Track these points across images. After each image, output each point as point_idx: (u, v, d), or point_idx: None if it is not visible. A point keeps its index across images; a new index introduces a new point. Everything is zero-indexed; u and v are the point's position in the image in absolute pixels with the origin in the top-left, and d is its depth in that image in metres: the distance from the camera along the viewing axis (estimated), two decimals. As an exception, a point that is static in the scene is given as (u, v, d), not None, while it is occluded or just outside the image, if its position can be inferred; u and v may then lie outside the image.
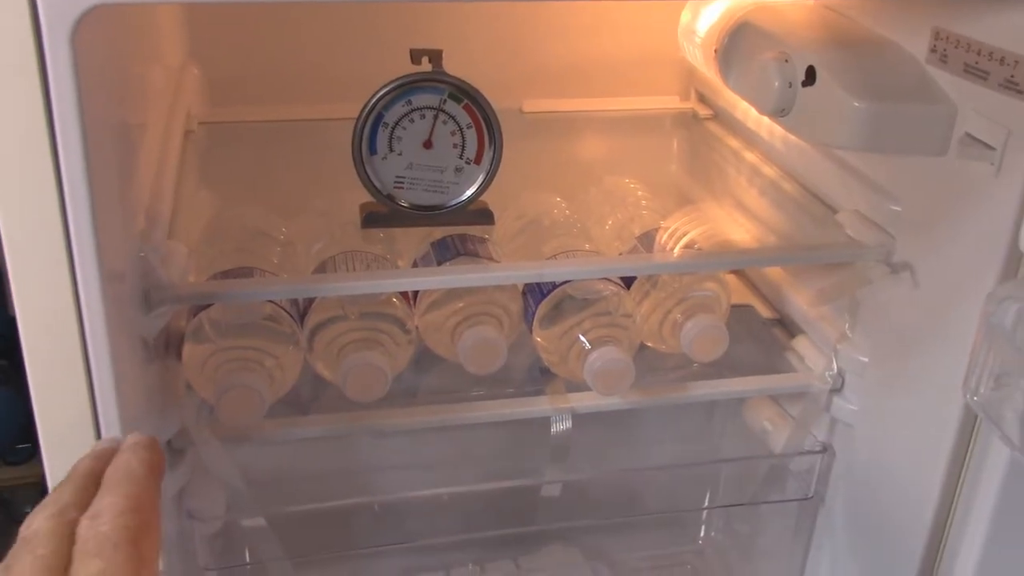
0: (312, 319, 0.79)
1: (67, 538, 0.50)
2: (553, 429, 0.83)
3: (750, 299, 0.99)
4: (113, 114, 0.62)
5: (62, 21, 0.49)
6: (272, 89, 1.02)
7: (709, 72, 0.93)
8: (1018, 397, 0.55)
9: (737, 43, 0.86)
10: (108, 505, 0.51)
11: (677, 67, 1.08)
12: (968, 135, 0.69)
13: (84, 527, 0.50)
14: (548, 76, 1.07)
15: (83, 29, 0.50)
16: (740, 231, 1.00)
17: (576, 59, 1.07)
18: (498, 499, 0.89)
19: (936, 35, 0.71)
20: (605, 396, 0.81)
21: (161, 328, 0.71)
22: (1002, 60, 0.66)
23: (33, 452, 1.42)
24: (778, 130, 0.93)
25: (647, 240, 0.89)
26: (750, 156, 1.00)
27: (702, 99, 1.11)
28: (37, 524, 0.51)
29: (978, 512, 0.73)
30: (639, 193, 0.98)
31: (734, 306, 0.90)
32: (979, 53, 0.67)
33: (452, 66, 0.79)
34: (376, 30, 1.01)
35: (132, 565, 0.48)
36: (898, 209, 0.78)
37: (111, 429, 0.61)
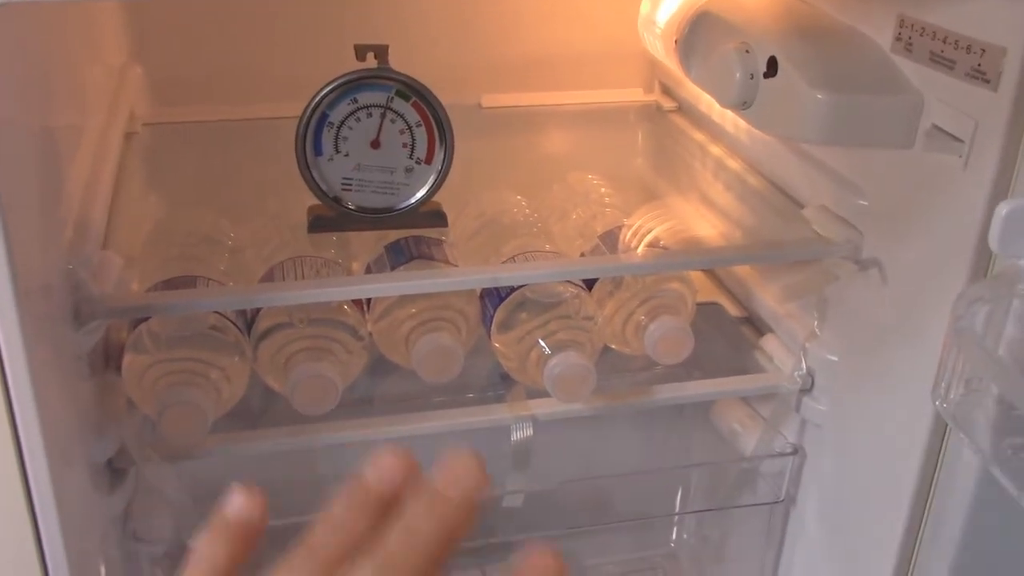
0: (258, 327, 0.76)
1: None
2: (514, 437, 0.80)
3: (717, 296, 0.96)
4: (30, 119, 0.58)
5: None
6: (219, 88, 0.98)
7: (670, 64, 0.90)
8: (988, 403, 0.52)
9: (697, 33, 0.83)
10: None
11: (640, 59, 1.05)
12: (935, 127, 0.67)
13: None
14: (507, 70, 1.05)
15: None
16: (706, 226, 0.97)
17: (536, 51, 1.04)
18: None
19: (901, 23, 0.69)
20: (567, 403, 0.78)
21: (96, 343, 0.67)
22: (968, 48, 0.63)
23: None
24: (743, 123, 0.91)
25: (610, 238, 0.87)
26: (715, 150, 0.97)
27: (666, 91, 1.08)
28: None
29: (952, 513, 0.71)
30: (602, 190, 0.95)
31: (701, 304, 0.88)
32: (945, 41, 0.65)
33: (405, 60, 0.76)
34: (325, 25, 0.97)
35: None
36: (865, 204, 0.76)
37: (35, 455, 0.57)
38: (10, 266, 0.52)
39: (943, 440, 0.71)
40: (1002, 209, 0.52)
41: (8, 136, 0.51)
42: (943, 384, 0.52)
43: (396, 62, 0.75)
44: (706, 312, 0.91)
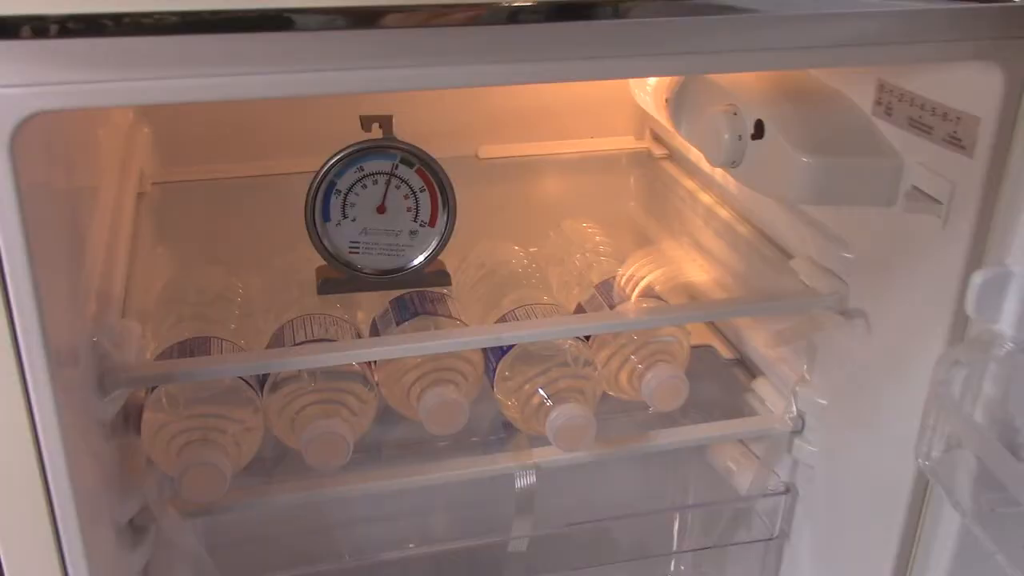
0: (270, 381, 0.79)
1: None
2: (518, 484, 0.83)
3: (711, 339, 0.99)
4: (59, 202, 0.62)
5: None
6: (224, 146, 1.01)
7: (661, 118, 0.94)
8: (969, 460, 0.55)
9: (686, 93, 0.86)
10: None
11: (631, 107, 1.08)
12: (915, 188, 0.70)
13: None
14: (503, 122, 1.08)
15: (23, 134, 0.50)
16: (698, 272, 1.00)
17: (529, 104, 1.08)
18: (468, 552, 0.89)
19: (881, 88, 0.72)
20: (568, 452, 0.81)
21: (118, 409, 0.70)
22: (945, 115, 0.67)
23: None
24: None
25: (605, 288, 0.90)
26: (705, 198, 1.01)
27: (657, 139, 1.12)
28: None
29: (938, 551, 0.74)
30: (597, 238, 0.99)
31: (695, 347, 0.91)
32: (923, 108, 0.68)
33: (407, 118, 0.79)
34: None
35: None
36: (851, 256, 0.79)
37: (67, 517, 0.60)
38: (43, 338, 0.55)
39: (928, 482, 0.74)
40: (976, 278, 0.55)
41: (40, 229, 0.54)
42: (925, 444, 0.55)
43: (398, 117, 0.78)
44: (700, 355, 0.94)
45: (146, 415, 0.75)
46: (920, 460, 0.57)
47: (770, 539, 0.92)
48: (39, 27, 0.46)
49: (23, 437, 0.57)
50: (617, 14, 0.55)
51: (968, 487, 0.56)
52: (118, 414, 0.73)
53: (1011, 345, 0.55)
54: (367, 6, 0.51)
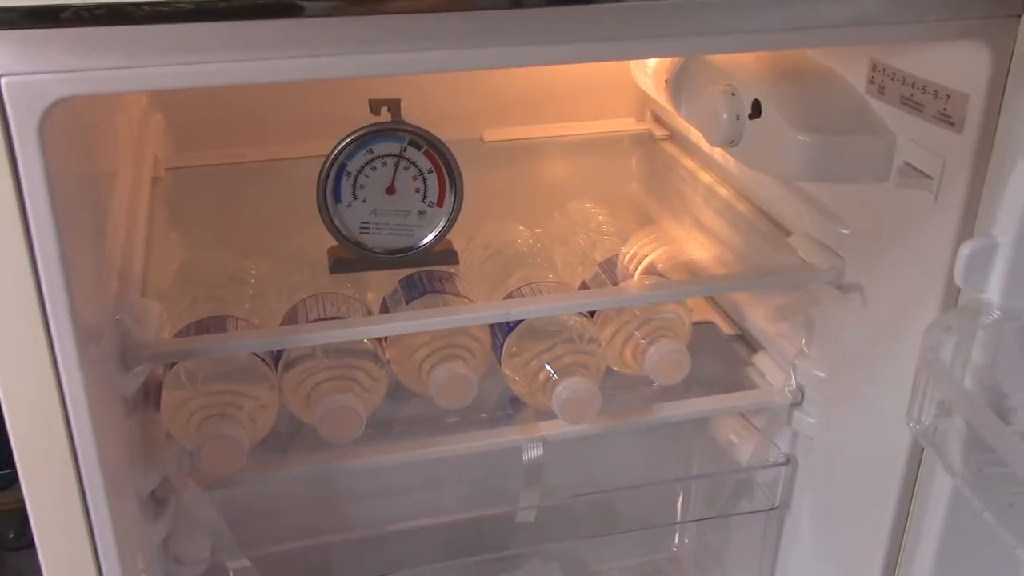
0: (284, 359, 0.82)
1: None
2: (525, 456, 0.86)
3: (712, 315, 1.02)
4: (83, 185, 0.64)
5: (28, 116, 0.51)
6: (236, 131, 1.03)
7: (661, 100, 0.96)
8: (959, 424, 0.58)
9: (686, 75, 0.89)
10: None
11: (632, 89, 1.10)
12: (907, 164, 0.72)
13: None
14: (507, 105, 1.10)
15: (50, 119, 0.52)
16: (699, 250, 1.03)
17: (533, 87, 1.10)
18: (477, 522, 0.92)
19: (874, 67, 0.74)
20: (574, 424, 0.83)
21: (139, 385, 0.73)
22: (935, 93, 0.69)
23: (15, 478, 1.43)
24: (731, 153, 0.96)
25: (609, 266, 0.92)
26: (705, 177, 1.03)
27: (658, 120, 1.14)
28: None
29: (932, 516, 0.76)
30: (600, 218, 1.01)
31: (697, 323, 0.93)
32: (913, 86, 0.70)
33: (413, 102, 0.81)
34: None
35: None
36: (846, 232, 0.81)
37: (95, 489, 0.63)
38: (71, 315, 0.57)
39: (923, 450, 0.76)
40: (964, 249, 0.58)
41: (68, 208, 0.56)
42: (916, 408, 0.58)
43: (405, 101, 0.80)
44: (701, 331, 0.97)
45: (166, 391, 0.78)
46: (911, 424, 0.59)
47: (771, 509, 0.95)
48: (67, 15, 0.49)
49: (53, 412, 0.60)
50: (616, -3, 0.57)
51: (958, 449, 0.58)
52: (139, 390, 0.75)
53: (998, 313, 0.57)
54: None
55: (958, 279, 0.59)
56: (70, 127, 0.59)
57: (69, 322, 0.57)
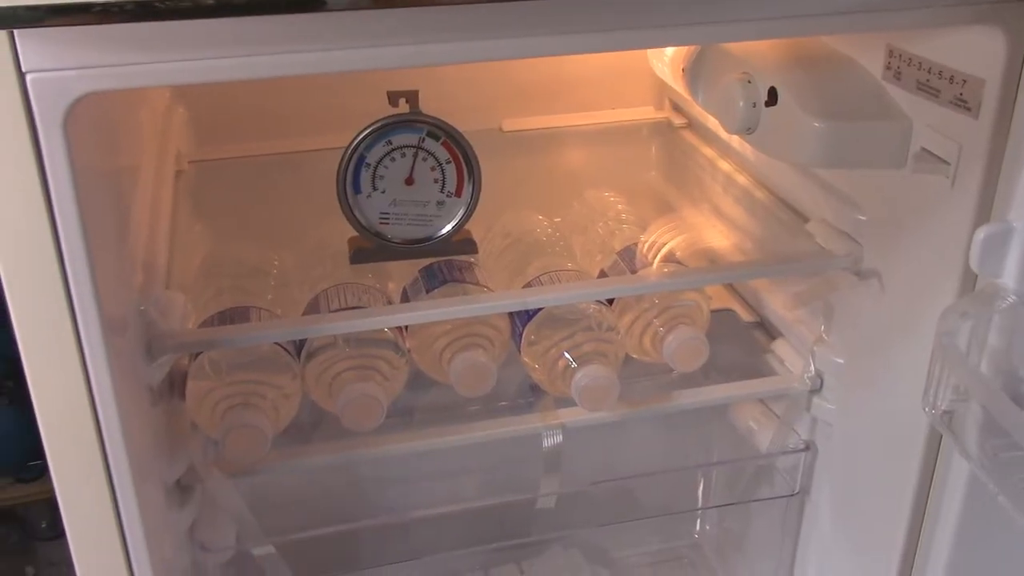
0: (307, 349, 0.83)
1: None
2: (545, 443, 0.87)
3: (731, 303, 1.02)
4: (107, 179, 0.65)
5: (54, 112, 0.52)
6: (258, 124, 1.05)
7: (678, 88, 0.96)
8: (974, 408, 0.58)
9: (703, 63, 0.89)
10: None
11: (650, 78, 1.11)
12: (924, 150, 0.72)
13: None
14: (526, 95, 1.10)
15: (74, 114, 0.53)
16: (718, 237, 1.03)
17: (552, 76, 1.10)
18: (498, 509, 0.93)
19: (890, 53, 0.74)
20: (593, 411, 0.84)
21: (164, 375, 0.74)
22: (951, 79, 0.69)
23: (45, 468, 1.45)
24: (748, 141, 0.96)
25: (627, 254, 0.93)
26: (724, 165, 1.03)
27: (676, 108, 1.14)
28: None
29: (949, 501, 0.76)
30: (619, 206, 1.01)
31: (716, 310, 0.93)
32: (930, 71, 0.70)
33: (433, 93, 0.82)
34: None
35: None
36: (864, 218, 0.82)
37: (122, 476, 0.64)
38: (97, 307, 0.59)
39: (942, 437, 0.77)
40: (980, 234, 0.58)
41: (93, 202, 0.58)
42: (931, 393, 0.58)
43: (424, 93, 0.81)
44: (721, 318, 0.97)
45: (190, 381, 0.79)
46: (927, 409, 0.59)
47: (791, 495, 0.95)
48: (91, 12, 0.50)
49: (81, 402, 0.61)
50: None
51: (974, 435, 0.58)
52: (164, 380, 0.77)
53: (1014, 298, 0.57)
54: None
55: (973, 264, 0.59)
56: (94, 122, 0.60)
57: (96, 314, 0.59)
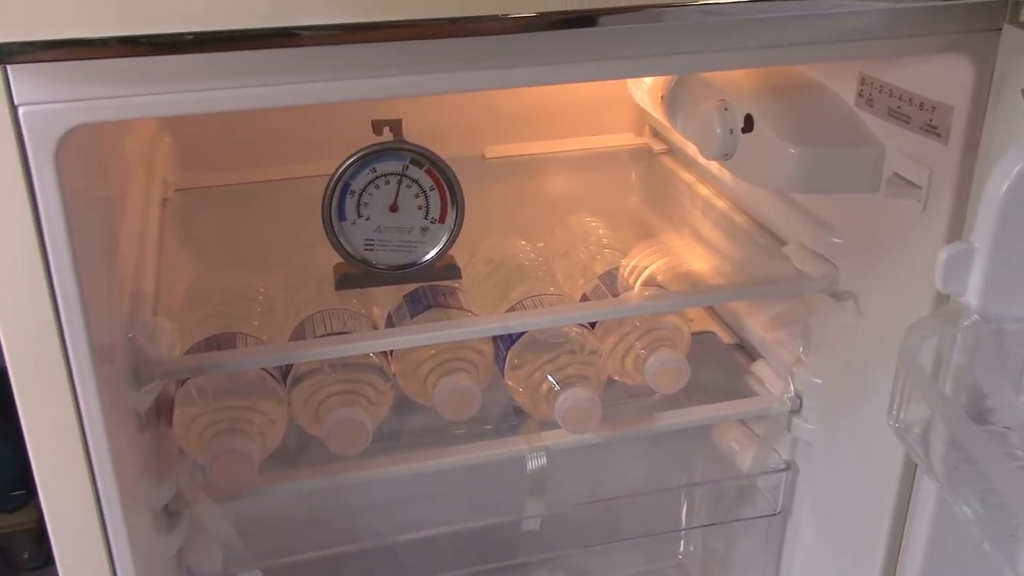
0: (293, 374, 0.84)
1: None
2: (529, 466, 0.88)
3: (711, 325, 1.04)
4: (96, 208, 0.66)
5: (46, 143, 0.54)
6: (241, 154, 1.06)
7: (657, 115, 0.98)
8: (937, 428, 0.60)
9: (680, 91, 0.91)
10: None
11: (630, 105, 1.12)
12: (896, 174, 0.74)
13: None
14: (508, 123, 1.12)
15: (65, 145, 0.55)
16: (698, 261, 1.05)
17: (533, 105, 1.12)
18: (484, 532, 0.94)
19: (862, 81, 0.76)
20: (576, 434, 0.85)
21: (152, 401, 0.75)
22: (921, 105, 0.71)
23: (28, 498, 1.44)
24: (726, 167, 0.98)
25: (609, 278, 0.94)
26: (703, 190, 1.05)
27: (656, 135, 1.16)
28: None
29: (919, 520, 0.77)
30: (600, 231, 1.03)
31: (697, 333, 0.95)
32: (900, 98, 0.73)
33: (416, 121, 0.83)
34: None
35: None
36: (839, 241, 0.83)
37: (111, 502, 0.65)
38: (87, 334, 0.60)
39: (918, 455, 0.78)
40: (943, 253, 0.60)
41: (83, 232, 0.58)
42: (895, 406, 0.60)
43: (407, 121, 0.82)
44: (701, 340, 0.99)
45: (177, 407, 0.80)
46: (891, 423, 0.61)
47: (773, 514, 0.96)
48: (81, 48, 0.51)
49: (71, 428, 0.62)
50: (611, 22, 0.59)
51: (939, 449, 0.60)
52: (151, 406, 0.77)
53: (976, 316, 0.59)
54: (367, 22, 0.55)
55: (938, 283, 0.61)
56: (84, 152, 0.62)
57: (85, 341, 0.60)
